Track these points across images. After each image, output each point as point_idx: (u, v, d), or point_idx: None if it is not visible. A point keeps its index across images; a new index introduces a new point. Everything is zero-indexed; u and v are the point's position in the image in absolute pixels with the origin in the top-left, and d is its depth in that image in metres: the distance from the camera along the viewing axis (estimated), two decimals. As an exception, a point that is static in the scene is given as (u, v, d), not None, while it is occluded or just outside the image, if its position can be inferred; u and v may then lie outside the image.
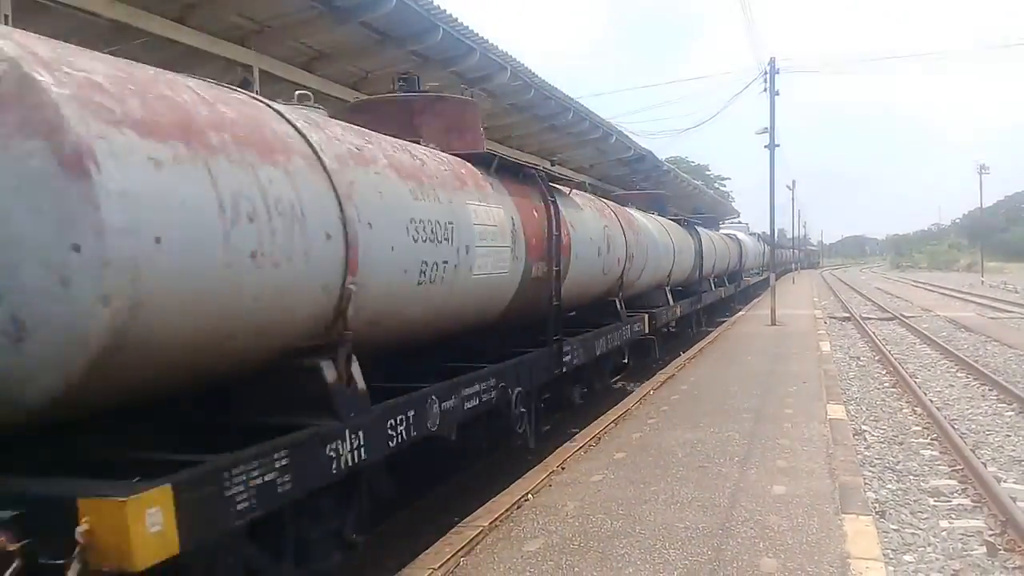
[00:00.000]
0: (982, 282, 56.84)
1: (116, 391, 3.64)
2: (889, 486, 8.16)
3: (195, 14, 11.69)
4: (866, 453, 9.35)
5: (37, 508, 3.22)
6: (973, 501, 7.64)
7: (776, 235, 32.83)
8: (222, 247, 3.71)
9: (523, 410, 7.83)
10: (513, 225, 7.58)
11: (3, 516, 3.17)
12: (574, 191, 10.53)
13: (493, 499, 6.87)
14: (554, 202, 8.76)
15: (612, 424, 9.92)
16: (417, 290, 5.70)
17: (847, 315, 29.26)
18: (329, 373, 4.60)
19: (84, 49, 3.82)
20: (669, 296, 17.31)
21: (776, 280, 27.73)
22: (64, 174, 3.12)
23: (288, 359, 4.48)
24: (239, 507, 3.72)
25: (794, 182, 67.77)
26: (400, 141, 6.44)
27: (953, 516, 7.26)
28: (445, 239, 6.04)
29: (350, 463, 4.61)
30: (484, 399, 6.91)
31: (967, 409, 11.96)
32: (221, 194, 3.73)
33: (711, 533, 5.95)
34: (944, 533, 6.79)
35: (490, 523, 6.23)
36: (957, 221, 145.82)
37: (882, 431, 10.56)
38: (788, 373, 14.02)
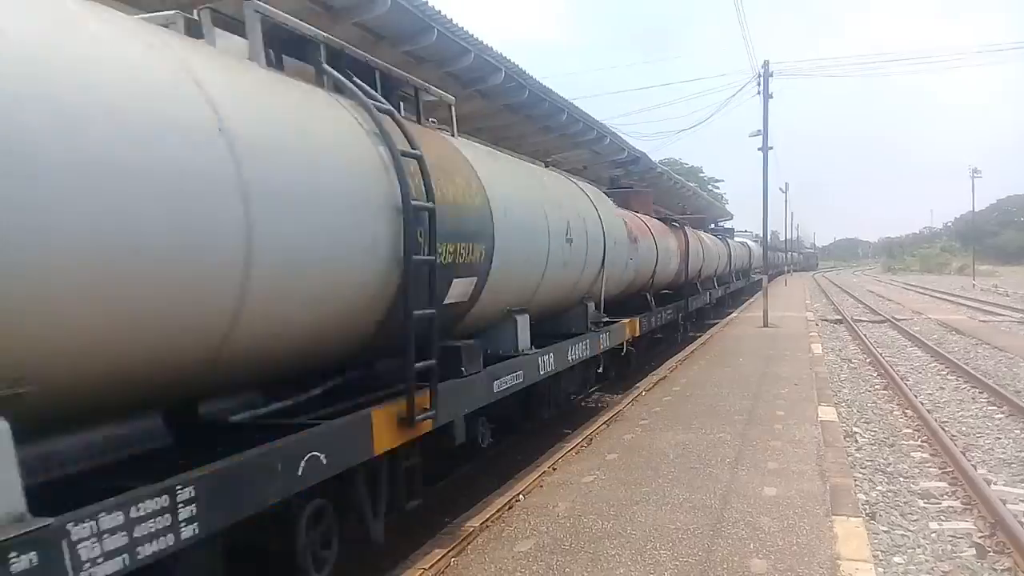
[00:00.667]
0: (973, 285, 57.02)
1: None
2: (879, 488, 8.20)
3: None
4: (857, 455, 9.38)
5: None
6: (963, 503, 7.68)
7: (769, 237, 32.86)
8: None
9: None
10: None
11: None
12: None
13: (484, 499, 6.88)
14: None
15: (604, 425, 9.94)
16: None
17: (839, 317, 29.34)
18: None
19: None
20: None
21: (769, 282, 27.79)
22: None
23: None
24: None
25: (787, 184, 67.80)
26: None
27: (943, 518, 7.30)
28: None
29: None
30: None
31: (957, 412, 12.01)
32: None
33: (702, 534, 5.97)
34: (934, 535, 6.83)
35: (481, 523, 6.24)
36: (949, 224, 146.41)
37: (873, 433, 10.60)
38: (780, 375, 14.06)
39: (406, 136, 5.62)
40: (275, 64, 5.31)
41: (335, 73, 5.60)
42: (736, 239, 40.76)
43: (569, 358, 9.55)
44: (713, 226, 39.44)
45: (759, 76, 26.80)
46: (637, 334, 13.59)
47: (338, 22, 12.86)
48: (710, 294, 26.58)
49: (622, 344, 12.31)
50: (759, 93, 26.72)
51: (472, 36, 15.08)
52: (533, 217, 8.29)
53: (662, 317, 16.78)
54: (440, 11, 13.72)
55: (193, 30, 4.99)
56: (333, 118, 5.06)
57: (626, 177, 32.22)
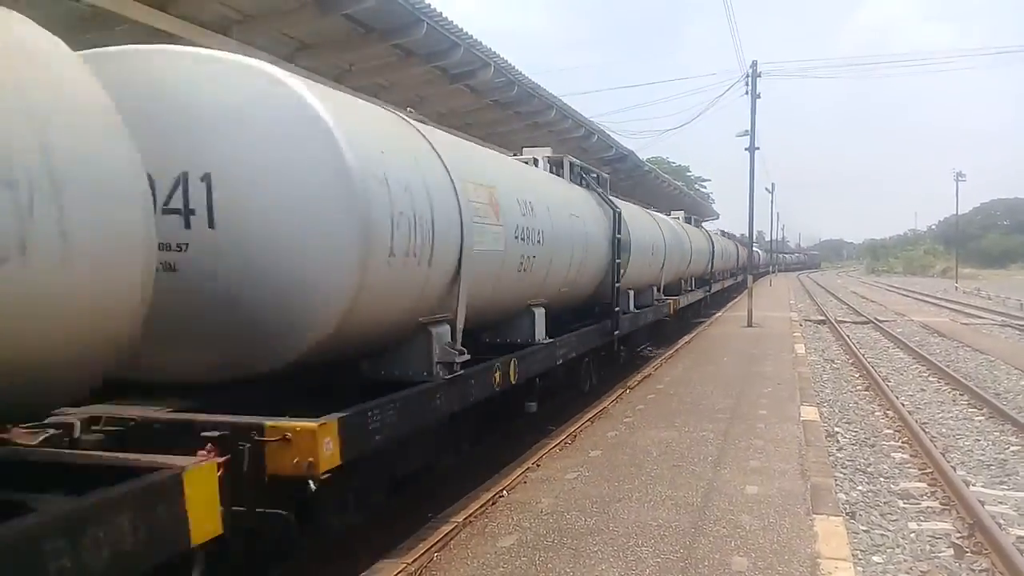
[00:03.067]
0: (956, 288, 57.48)
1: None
2: (860, 488, 8.26)
3: (177, 2, 11.58)
4: (838, 455, 9.44)
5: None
6: (942, 504, 7.74)
7: (754, 237, 33.00)
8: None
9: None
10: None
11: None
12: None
13: (468, 495, 6.89)
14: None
15: (588, 422, 9.97)
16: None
17: (822, 318, 29.51)
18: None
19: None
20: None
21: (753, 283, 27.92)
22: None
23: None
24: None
25: (773, 185, 68.22)
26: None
27: (922, 518, 7.36)
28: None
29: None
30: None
31: (938, 413, 12.10)
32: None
33: (684, 531, 6.01)
34: (913, 535, 6.88)
35: (464, 519, 6.25)
36: (933, 227, 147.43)
37: (854, 433, 10.67)
38: (763, 374, 14.13)
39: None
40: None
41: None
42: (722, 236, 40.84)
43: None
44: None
45: (747, 76, 26.91)
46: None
47: (327, 14, 12.83)
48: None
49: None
50: (747, 93, 26.83)
51: (462, 30, 15.06)
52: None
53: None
54: (429, 4, 13.69)
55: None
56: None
57: (613, 175, 32.33)
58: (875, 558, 6.33)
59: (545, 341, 9.30)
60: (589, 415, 10.35)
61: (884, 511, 7.53)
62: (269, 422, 4.50)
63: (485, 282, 7.29)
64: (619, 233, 12.26)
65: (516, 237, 7.99)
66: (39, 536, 2.73)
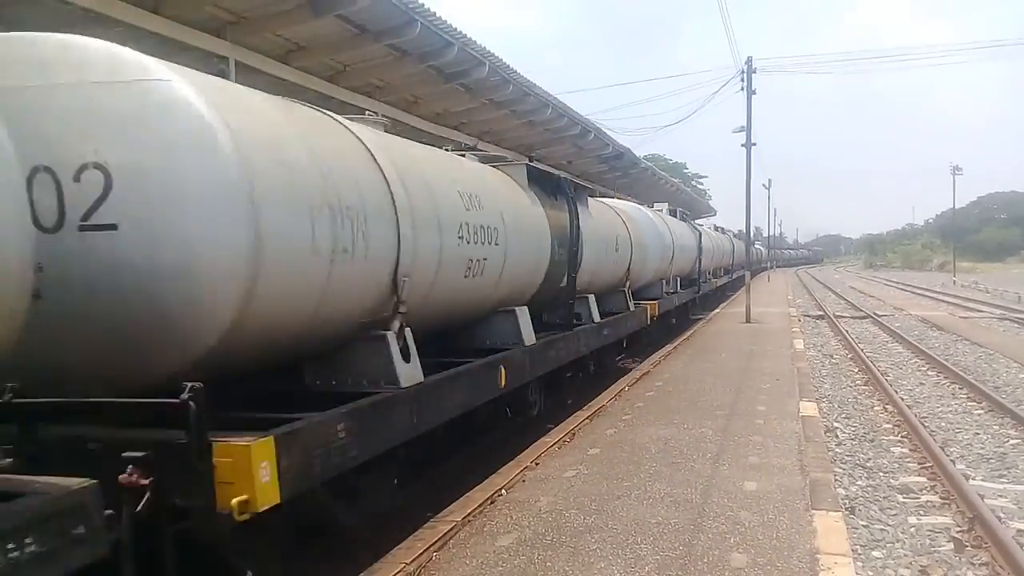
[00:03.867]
0: (954, 282, 57.53)
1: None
2: (859, 483, 8.24)
3: (170, 4, 11.56)
4: (837, 450, 9.43)
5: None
6: (941, 498, 7.72)
7: (752, 233, 32.99)
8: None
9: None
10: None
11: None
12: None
13: (466, 494, 6.87)
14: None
15: (587, 420, 9.95)
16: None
17: (821, 313, 29.51)
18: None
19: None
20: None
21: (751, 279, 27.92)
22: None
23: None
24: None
25: (770, 181, 68.37)
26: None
27: (922, 513, 7.34)
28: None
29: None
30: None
31: (937, 407, 12.09)
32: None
33: (683, 528, 5.99)
34: (912, 529, 6.86)
35: (463, 518, 6.23)
36: (930, 221, 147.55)
37: (853, 428, 10.65)
38: (761, 370, 14.12)
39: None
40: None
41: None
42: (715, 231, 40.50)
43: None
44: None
45: (742, 72, 26.91)
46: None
47: (321, 15, 12.80)
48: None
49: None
50: (743, 89, 26.84)
51: (455, 29, 15.04)
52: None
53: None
54: (423, 3, 13.66)
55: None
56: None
57: (610, 172, 32.33)
58: (875, 553, 6.31)
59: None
60: (587, 413, 10.33)
61: (884, 506, 7.51)
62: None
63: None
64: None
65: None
66: None
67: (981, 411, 11.67)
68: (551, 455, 8.29)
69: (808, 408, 10.67)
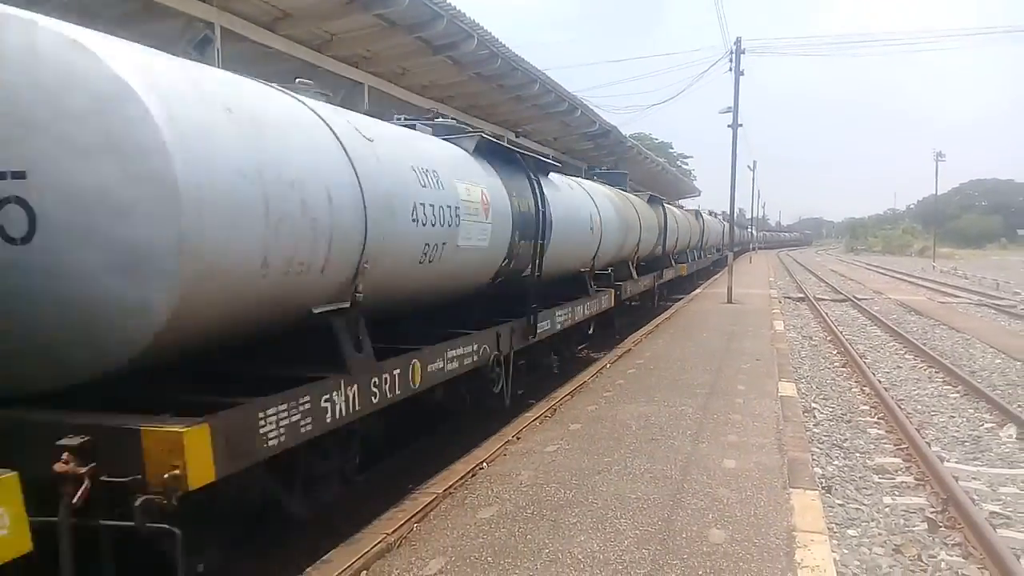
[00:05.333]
0: (934, 267, 58.03)
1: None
2: (836, 462, 8.36)
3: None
4: (815, 430, 9.54)
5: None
6: (916, 479, 7.85)
7: (735, 214, 33.07)
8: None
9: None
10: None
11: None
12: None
13: (448, 467, 6.90)
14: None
15: (568, 396, 10.00)
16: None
17: (801, 295, 29.71)
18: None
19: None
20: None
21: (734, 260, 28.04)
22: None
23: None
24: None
25: (755, 163, 68.46)
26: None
27: (896, 493, 7.46)
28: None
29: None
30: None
31: (914, 390, 12.24)
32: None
33: (662, 504, 6.04)
34: (887, 509, 6.97)
35: (444, 490, 6.26)
36: (912, 207, 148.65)
37: (831, 409, 10.78)
38: (742, 350, 14.22)
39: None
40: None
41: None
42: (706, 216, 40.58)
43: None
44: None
45: (731, 53, 26.84)
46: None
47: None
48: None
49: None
50: (731, 70, 26.79)
51: (445, 1, 14.89)
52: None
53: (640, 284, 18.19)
54: (413, -26, 13.51)
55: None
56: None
57: (596, 150, 32.25)
58: (850, 531, 6.42)
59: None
60: (569, 389, 10.38)
61: (859, 485, 7.62)
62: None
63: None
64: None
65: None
66: None
67: (957, 395, 11.83)
68: (533, 429, 8.32)
69: (787, 388, 10.76)
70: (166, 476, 3.66)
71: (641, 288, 19.03)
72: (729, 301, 24.08)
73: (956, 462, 8.46)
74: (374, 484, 6.68)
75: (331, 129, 5.52)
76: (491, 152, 8.91)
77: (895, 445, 9.04)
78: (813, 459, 7.98)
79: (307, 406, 4.81)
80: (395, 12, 14.34)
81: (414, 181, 6.51)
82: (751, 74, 27.42)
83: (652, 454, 7.41)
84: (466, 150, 8.41)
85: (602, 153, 32.94)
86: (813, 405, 10.88)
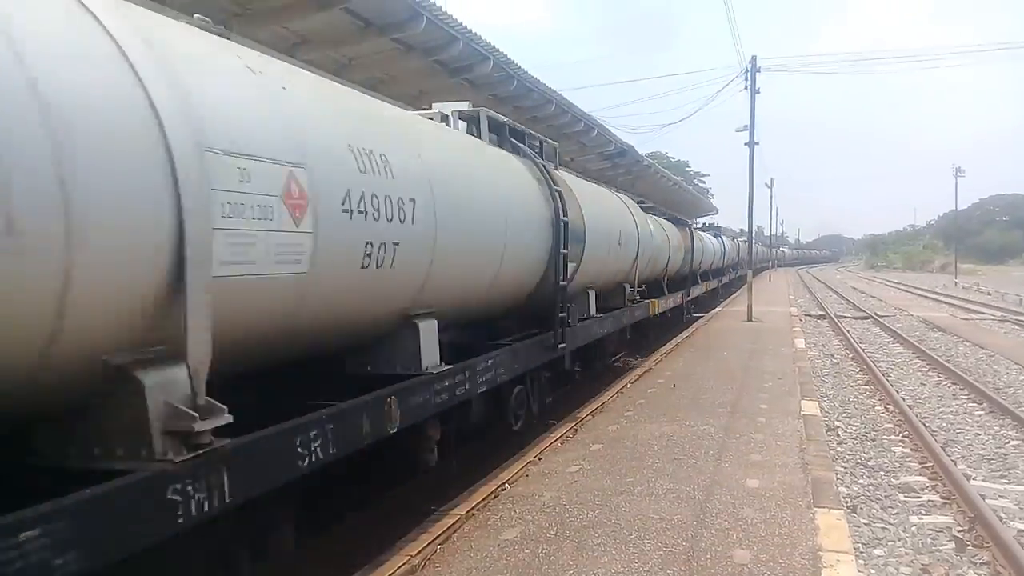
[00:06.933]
0: (955, 283, 57.54)
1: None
2: (861, 481, 8.27)
3: (176, -3, 11.55)
4: (839, 449, 9.46)
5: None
6: (943, 497, 7.75)
7: (753, 232, 33.00)
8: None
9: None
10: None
11: None
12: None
13: (470, 488, 6.90)
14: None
15: (589, 416, 9.97)
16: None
17: (822, 313, 29.52)
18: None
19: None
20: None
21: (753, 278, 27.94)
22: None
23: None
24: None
25: (772, 180, 68.05)
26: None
27: (923, 512, 7.37)
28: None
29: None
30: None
31: (938, 408, 12.12)
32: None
33: (686, 524, 6.01)
34: (914, 528, 6.89)
35: (467, 511, 6.26)
36: (932, 223, 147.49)
37: (855, 427, 10.68)
38: (763, 369, 14.14)
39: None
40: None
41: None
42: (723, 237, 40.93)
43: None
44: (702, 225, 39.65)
45: (746, 71, 26.90)
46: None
47: (326, 8, 12.81)
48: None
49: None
50: (746, 88, 26.82)
51: (461, 24, 15.04)
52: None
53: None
54: (429, -2, 13.67)
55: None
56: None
57: (612, 170, 32.32)
58: (876, 551, 6.34)
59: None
60: (589, 409, 10.36)
61: (885, 504, 7.54)
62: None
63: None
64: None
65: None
66: None
67: (982, 412, 11.69)
68: (554, 450, 8.31)
69: (809, 407, 10.68)
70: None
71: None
72: (749, 319, 23.98)
73: (983, 480, 8.35)
74: (397, 506, 6.69)
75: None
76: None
77: (920, 463, 8.95)
78: (837, 478, 7.91)
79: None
80: (412, 36, 14.50)
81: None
82: (767, 92, 27.43)
83: (674, 474, 7.37)
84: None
85: (619, 172, 33.01)
86: (836, 423, 10.79)
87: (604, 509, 6.36)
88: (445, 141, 7.36)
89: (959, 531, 6.78)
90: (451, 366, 6.47)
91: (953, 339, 21.15)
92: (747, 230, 30.60)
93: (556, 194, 9.24)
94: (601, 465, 7.69)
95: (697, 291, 25.64)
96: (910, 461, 9.09)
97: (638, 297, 15.08)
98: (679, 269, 21.75)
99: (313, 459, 4.45)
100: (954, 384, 14.04)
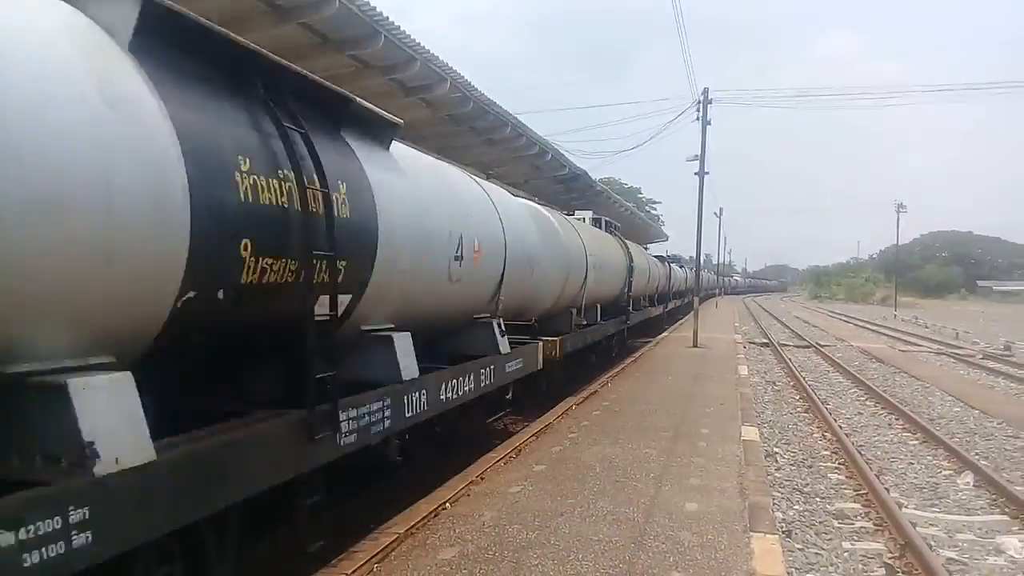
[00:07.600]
0: (895, 316, 58.88)
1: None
2: (796, 507, 8.41)
3: None
4: (776, 474, 9.60)
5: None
6: (875, 524, 7.91)
7: (702, 260, 33.46)
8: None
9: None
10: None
11: None
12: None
13: (410, 507, 6.86)
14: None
15: (533, 437, 10.00)
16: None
17: (766, 341, 30.00)
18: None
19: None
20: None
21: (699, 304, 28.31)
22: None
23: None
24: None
25: (721, 209, 69.11)
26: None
27: (856, 538, 7.51)
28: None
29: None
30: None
31: (874, 436, 12.38)
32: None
33: (624, 546, 6.06)
34: (846, 554, 7.02)
35: (406, 530, 6.23)
36: (874, 256, 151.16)
37: (792, 454, 10.86)
38: (706, 394, 14.32)
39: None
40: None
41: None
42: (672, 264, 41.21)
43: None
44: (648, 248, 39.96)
45: (699, 103, 27.39)
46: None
47: (283, 22, 12.75)
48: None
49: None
50: (698, 119, 27.31)
51: (419, 44, 15.08)
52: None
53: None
54: (388, 16, 13.68)
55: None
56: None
57: (566, 193, 32.55)
58: (809, 576, 6.45)
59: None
60: (534, 430, 10.38)
61: (819, 530, 7.67)
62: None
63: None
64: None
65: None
66: None
67: (916, 441, 11.98)
68: (497, 470, 8.31)
69: (750, 432, 10.85)
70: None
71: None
72: (695, 345, 24.27)
73: (915, 508, 8.55)
74: (336, 524, 6.62)
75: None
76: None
77: (855, 491, 9.13)
78: (774, 503, 8.04)
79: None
80: (369, 54, 14.50)
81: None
82: (719, 124, 28.02)
83: (615, 496, 7.42)
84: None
85: (572, 196, 33.24)
86: (775, 449, 10.96)
87: (543, 530, 6.38)
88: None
89: (890, 558, 6.93)
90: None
91: (891, 370, 21.65)
92: (695, 257, 31.03)
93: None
94: (543, 486, 7.72)
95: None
96: (845, 488, 9.26)
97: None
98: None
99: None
100: (890, 414, 14.37)
